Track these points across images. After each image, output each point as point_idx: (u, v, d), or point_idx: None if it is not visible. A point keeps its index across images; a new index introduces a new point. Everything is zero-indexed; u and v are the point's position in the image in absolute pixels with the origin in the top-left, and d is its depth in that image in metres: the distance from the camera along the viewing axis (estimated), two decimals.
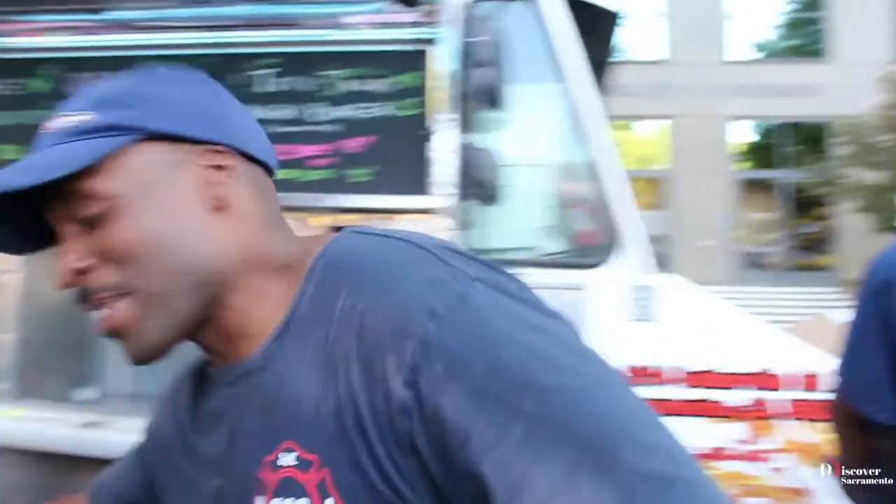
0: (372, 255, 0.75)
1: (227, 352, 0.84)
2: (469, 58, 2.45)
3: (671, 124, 17.67)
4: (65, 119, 0.79)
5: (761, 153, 19.09)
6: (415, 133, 2.68)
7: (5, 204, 0.79)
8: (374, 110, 2.81)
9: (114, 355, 2.82)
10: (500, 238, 2.56)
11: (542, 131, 2.71)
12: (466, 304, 0.68)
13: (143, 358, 0.80)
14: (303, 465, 0.71)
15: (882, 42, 18.06)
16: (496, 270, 0.74)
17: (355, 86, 2.84)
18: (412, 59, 2.72)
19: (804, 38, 19.95)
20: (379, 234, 0.78)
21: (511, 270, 0.76)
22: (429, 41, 2.60)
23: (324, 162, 2.84)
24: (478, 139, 2.43)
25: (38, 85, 3.20)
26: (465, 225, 2.59)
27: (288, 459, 0.72)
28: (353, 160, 2.80)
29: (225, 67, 2.97)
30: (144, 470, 1.05)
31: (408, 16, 2.80)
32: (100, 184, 0.76)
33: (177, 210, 0.79)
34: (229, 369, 0.84)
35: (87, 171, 0.76)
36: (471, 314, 0.67)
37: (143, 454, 1.06)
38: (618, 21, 3.28)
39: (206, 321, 0.82)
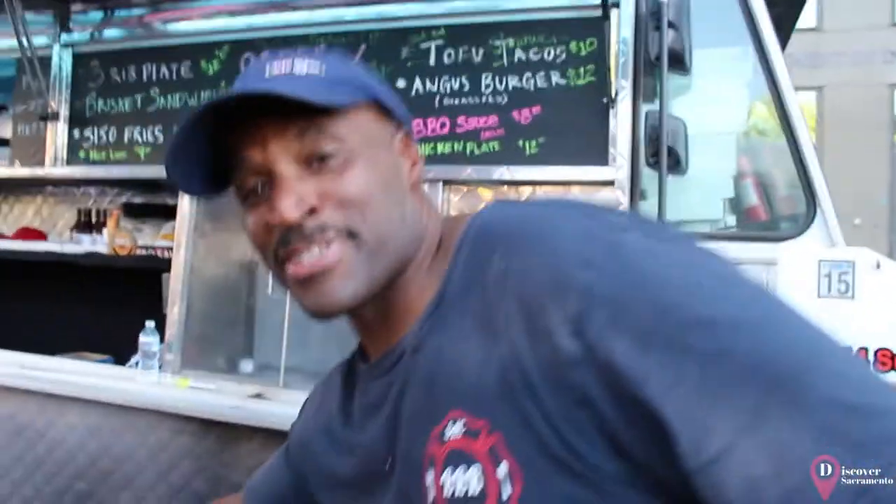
0: (520, 219, 0.76)
1: (381, 334, 0.87)
2: (653, 20, 2.34)
3: (819, 94, 16.68)
4: (304, 64, 0.82)
5: None
6: (593, 102, 2.58)
7: (197, 132, 0.80)
8: (550, 79, 2.73)
9: (272, 330, 2.90)
10: (684, 210, 2.44)
11: (731, 97, 2.56)
12: (620, 250, 0.67)
13: (332, 307, 0.81)
14: (471, 433, 0.70)
15: None
16: (645, 220, 0.74)
17: (530, 55, 2.77)
18: (591, 25, 2.62)
19: None
20: (522, 203, 0.81)
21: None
22: (611, 4, 2.48)
23: (495, 133, 2.79)
24: (661, 107, 2.31)
25: (209, 67, 3.31)
26: (644, 196, 2.49)
27: (455, 429, 0.71)
28: (525, 131, 2.74)
29: (393, 41, 2.97)
30: (293, 471, 1.08)
31: None
32: (343, 127, 0.79)
33: (395, 172, 0.84)
34: (384, 358, 0.86)
35: (333, 114, 0.79)
36: (626, 259, 0.66)
37: (290, 456, 1.10)
38: None
39: (380, 294, 0.83)
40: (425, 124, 2.90)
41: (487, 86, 2.83)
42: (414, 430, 0.78)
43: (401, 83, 2.97)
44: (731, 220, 2.60)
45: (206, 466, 2.55)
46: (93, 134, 3.50)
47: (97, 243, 3.58)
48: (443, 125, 2.88)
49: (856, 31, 16.46)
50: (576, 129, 2.64)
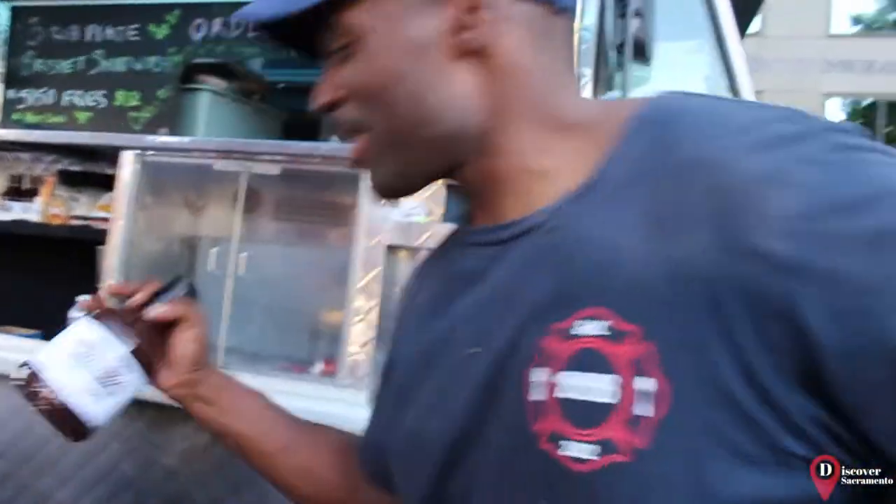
0: (713, 106, 0.68)
1: (496, 205, 0.80)
2: (618, 7, 2.31)
3: (758, 98, 17.08)
4: None
5: None
6: None
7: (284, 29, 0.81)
8: None
9: (212, 309, 2.81)
10: None
11: (691, 89, 2.54)
12: (846, 151, 0.59)
13: (383, 192, 0.83)
14: (616, 335, 0.60)
15: None
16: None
17: None
18: None
19: None
20: (708, 96, 0.73)
21: None
22: None
23: None
24: (623, 96, 2.28)
25: (157, 31, 3.18)
26: None
27: (591, 328, 0.62)
28: None
29: None
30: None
31: None
32: (350, 17, 0.76)
33: (416, 54, 0.76)
34: (498, 228, 0.78)
35: (343, 4, 0.76)
36: (849, 158, 0.58)
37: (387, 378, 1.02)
38: None
39: (470, 167, 0.80)
40: None
41: None
42: (527, 316, 0.69)
43: None
44: None
45: (136, 448, 2.44)
46: (29, 95, 3.34)
47: (29, 211, 3.42)
48: None
49: (795, 38, 16.89)
50: None
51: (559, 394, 0.63)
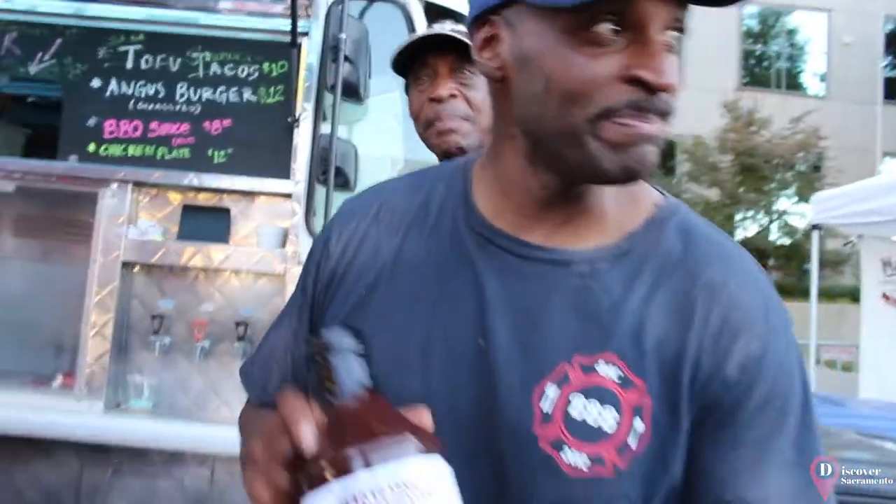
0: (731, 246, 0.86)
1: (540, 222, 0.84)
2: (332, 53, 2.60)
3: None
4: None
5: None
6: (280, 120, 2.81)
7: None
8: (242, 95, 2.91)
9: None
10: None
11: (400, 126, 2.89)
12: (790, 333, 0.83)
13: (643, 172, 0.81)
14: (625, 382, 0.76)
15: (729, 71, 19.45)
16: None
17: (225, 70, 2.93)
18: (283, 49, 2.84)
19: None
20: (713, 226, 0.89)
21: None
22: (300, 33, 2.73)
23: (186, 140, 2.92)
24: (332, 130, 2.57)
25: None
26: (315, 210, 2.75)
27: (608, 371, 0.77)
28: (215, 141, 2.90)
29: (91, 40, 2.99)
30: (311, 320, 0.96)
31: (279, 7, 2.93)
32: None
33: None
34: (530, 245, 0.83)
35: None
36: (792, 342, 0.83)
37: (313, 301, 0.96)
38: None
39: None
40: (118, 125, 2.96)
41: (182, 95, 2.95)
42: (549, 340, 0.79)
43: (96, 82, 3.00)
44: None
45: None
46: None
47: None
48: (135, 128, 2.95)
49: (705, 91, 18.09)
50: (262, 143, 2.84)
51: (570, 411, 0.76)
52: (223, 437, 2.60)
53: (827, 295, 14.73)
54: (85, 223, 2.97)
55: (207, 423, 2.77)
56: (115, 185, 2.87)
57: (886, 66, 20.09)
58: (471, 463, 0.77)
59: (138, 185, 2.90)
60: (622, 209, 0.85)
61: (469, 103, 1.60)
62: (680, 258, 0.82)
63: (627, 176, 0.78)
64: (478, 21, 0.82)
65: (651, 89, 0.74)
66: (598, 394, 0.76)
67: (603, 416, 0.76)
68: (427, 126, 1.63)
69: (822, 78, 20.70)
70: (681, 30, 0.77)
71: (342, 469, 0.59)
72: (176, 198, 2.94)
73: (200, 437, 2.64)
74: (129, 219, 2.90)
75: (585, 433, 0.76)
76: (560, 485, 0.76)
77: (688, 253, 0.82)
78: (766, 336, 0.79)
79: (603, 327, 0.79)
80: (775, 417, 0.78)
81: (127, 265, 2.91)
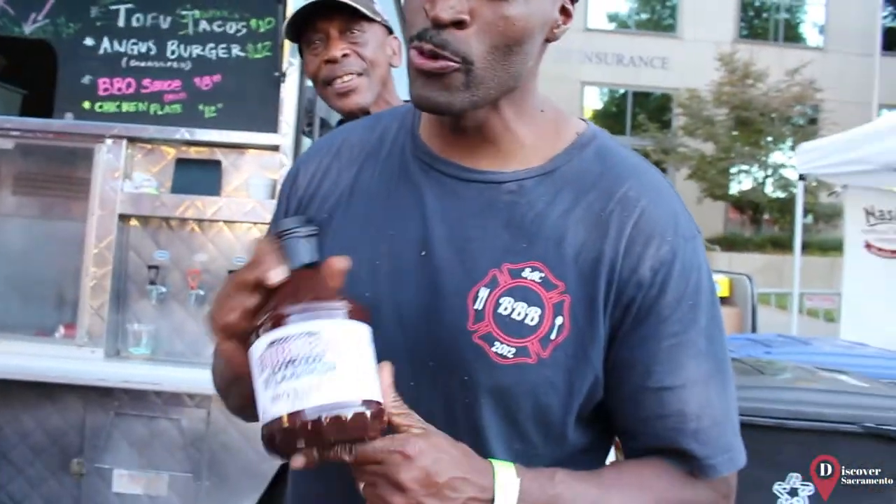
0: (644, 165, 0.98)
1: (472, 150, 0.95)
2: None
3: None
4: None
5: (609, 120, 20.06)
6: (267, 75, 2.90)
7: None
8: (231, 51, 3.00)
9: None
10: None
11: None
12: (698, 241, 0.96)
13: (436, 109, 0.88)
14: (548, 283, 0.89)
15: (726, 23, 19.34)
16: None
17: (214, 27, 3.02)
18: (269, 5, 2.93)
19: (657, 14, 21.05)
20: (629, 149, 1.01)
21: None
22: None
23: (177, 97, 3.02)
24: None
25: None
26: None
27: (533, 276, 0.89)
28: (205, 96, 2.99)
29: None
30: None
31: None
32: None
33: (544, 22, 0.90)
34: (468, 169, 0.94)
35: None
36: (700, 248, 0.96)
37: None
38: None
39: (481, 112, 0.91)
40: (111, 83, 3.05)
41: (173, 52, 3.04)
42: (483, 250, 0.90)
43: (89, 41, 3.09)
44: None
45: None
46: None
47: None
48: (128, 85, 3.05)
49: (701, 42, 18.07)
50: (251, 98, 2.94)
51: (500, 308, 0.88)
52: None
53: (819, 248, 14.91)
54: (82, 179, 3.08)
55: (202, 366, 2.90)
56: (110, 141, 2.97)
57: (886, 16, 19.94)
58: (413, 358, 0.90)
59: (132, 140, 3.01)
60: (545, 138, 0.97)
61: (362, 58, 1.74)
62: (597, 177, 0.94)
63: (418, 104, 0.89)
64: None
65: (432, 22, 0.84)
66: (524, 294, 0.89)
67: (528, 313, 0.88)
68: (325, 85, 1.78)
69: (821, 30, 20.56)
70: None
71: (276, 323, 0.76)
72: (169, 152, 3.04)
73: (196, 380, 2.77)
74: (125, 173, 3.00)
75: (513, 329, 0.88)
76: (491, 372, 0.88)
77: (604, 172, 0.94)
78: (675, 242, 0.91)
79: (528, 237, 0.91)
80: (688, 313, 0.91)
81: (123, 218, 3.03)
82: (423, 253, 0.93)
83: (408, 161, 0.99)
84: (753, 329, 4.28)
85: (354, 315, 0.79)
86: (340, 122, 1.93)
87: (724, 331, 0.97)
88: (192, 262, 3.01)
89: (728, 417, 0.93)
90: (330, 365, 0.74)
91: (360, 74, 1.74)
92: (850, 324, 5.90)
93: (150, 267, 3.02)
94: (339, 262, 0.83)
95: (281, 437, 0.74)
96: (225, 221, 2.98)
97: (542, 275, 0.89)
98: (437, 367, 0.91)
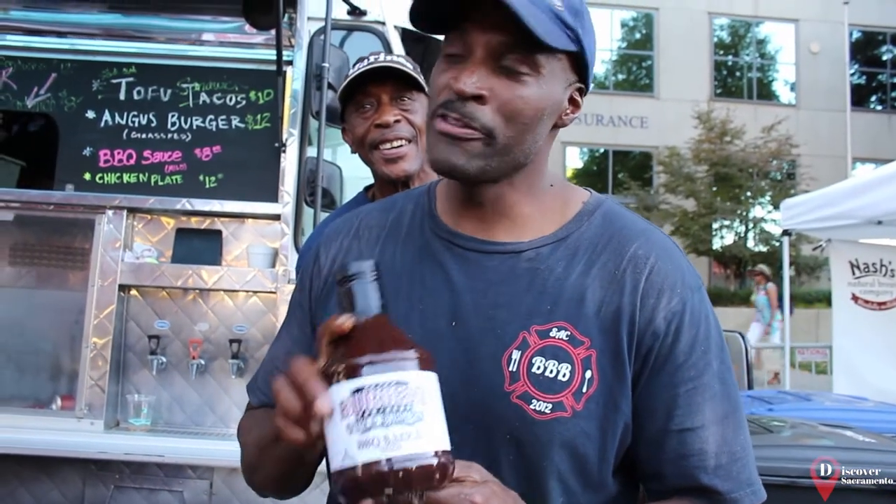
0: (649, 226, 1.07)
1: (490, 224, 1.03)
2: (315, 81, 2.75)
3: None
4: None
5: (591, 178, 20.31)
6: (267, 145, 2.96)
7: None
8: (231, 122, 3.06)
9: None
10: None
11: None
12: (703, 291, 1.04)
13: (450, 173, 0.98)
14: (574, 341, 0.96)
15: (701, 82, 19.79)
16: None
17: (213, 99, 3.08)
18: (268, 77, 3.00)
19: (634, 74, 21.53)
20: (633, 212, 1.09)
21: None
22: (285, 62, 2.88)
23: (178, 167, 3.06)
24: (318, 154, 2.71)
25: None
26: (303, 230, 2.89)
27: (560, 334, 0.96)
28: (205, 167, 3.04)
29: (85, 73, 3.13)
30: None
31: (261, 38, 3.08)
32: (542, 60, 0.95)
33: (552, 106, 0.99)
34: (488, 242, 1.02)
35: (542, 47, 0.93)
36: (705, 297, 1.03)
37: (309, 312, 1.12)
38: None
39: (496, 187, 1.01)
40: (112, 155, 3.09)
41: (173, 123, 3.09)
42: (511, 315, 0.97)
43: (90, 114, 3.13)
44: None
45: None
46: None
47: None
48: (129, 156, 3.09)
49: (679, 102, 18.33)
50: (251, 168, 3.00)
51: (533, 368, 0.94)
52: (220, 450, 2.76)
53: (804, 300, 15.05)
54: (82, 249, 3.09)
55: (204, 437, 2.89)
56: (110, 212, 3.00)
57: (853, 73, 20.49)
58: (452, 423, 0.90)
59: (133, 210, 3.03)
60: (555, 209, 1.06)
61: (412, 125, 1.78)
62: (608, 239, 1.02)
63: (435, 168, 0.99)
64: None
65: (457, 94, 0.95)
66: (553, 352, 0.95)
67: (559, 370, 0.95)
68: (373, 148, 1.80)
69: (792, 87, 21.07)
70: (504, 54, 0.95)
71: (353, 373, 0.78)
72: (169, 222, 3.07)
73: (198, 451, 2.75)
74: (125, 244, 3.02)
75: (547, 386, 0.95)
76: (531, 428, 0.94)
77: (614, 234, 1.03)
78: (684, 293, 1.00)
79: (552, 299, 0.98)
80: (701, 358, 0.98)
81: (124, 288, 3.03)
82: (454, 323, 0.99)
83: (429, 239, 1.07)
84: (749, 386, 4.30)
85: (427, 364, 0.82)
86: (368, 189, 1.96)
87: (733, 372, 1.03)
88: (193, 331, 3.01)
89: (746, 453, 0.99)
90: (419, 415, 0.78)
91: (409, 141, 1.77)
92: (843, 377, 5.95)
93: (150, 337, 3.01)
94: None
95: (367, 481, 0.76)
96: (226, 290, 2.99)
97: (569, 333, 0.96)
98: (476, 429, 0.96)
